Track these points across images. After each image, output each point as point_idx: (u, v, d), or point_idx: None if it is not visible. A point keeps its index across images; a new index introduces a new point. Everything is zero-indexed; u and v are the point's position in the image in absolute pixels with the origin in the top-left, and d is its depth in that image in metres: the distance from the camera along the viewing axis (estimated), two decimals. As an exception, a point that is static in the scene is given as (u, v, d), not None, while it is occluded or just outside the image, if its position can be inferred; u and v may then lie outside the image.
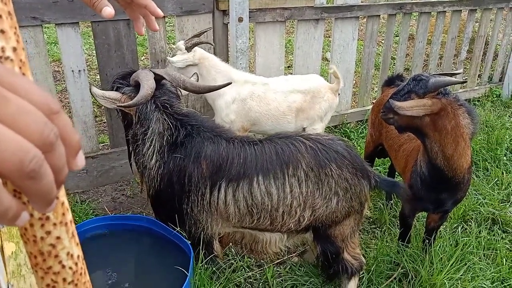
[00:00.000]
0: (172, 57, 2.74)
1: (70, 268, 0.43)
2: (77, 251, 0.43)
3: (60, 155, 0.35)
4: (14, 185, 0.33)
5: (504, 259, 2.55)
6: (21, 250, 0.95)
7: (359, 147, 3.74)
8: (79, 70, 2.80)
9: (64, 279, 0.43)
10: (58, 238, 0.41)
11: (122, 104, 1.88)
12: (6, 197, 0.32)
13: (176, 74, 2.01)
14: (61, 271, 0.42)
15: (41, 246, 0.41)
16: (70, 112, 2.99)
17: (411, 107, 1.94)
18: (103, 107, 2.84)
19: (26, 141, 0.32)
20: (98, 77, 3.14)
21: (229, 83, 2.14)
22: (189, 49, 2.71)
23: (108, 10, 0.94)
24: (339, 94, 3.14)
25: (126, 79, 1.99)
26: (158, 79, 1.96)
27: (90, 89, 1.95)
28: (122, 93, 1.95)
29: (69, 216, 0.42)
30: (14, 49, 0.37)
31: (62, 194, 0.42)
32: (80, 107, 2.89)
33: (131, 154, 2.11)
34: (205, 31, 2.99)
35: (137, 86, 1.93)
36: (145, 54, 5.26)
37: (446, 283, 2.22)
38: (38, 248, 0.41)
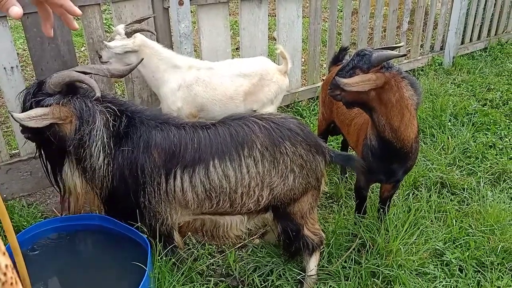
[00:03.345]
0: (109, 41, 2.61)
1: None
2: (4, 260, 0.40)
3: None
4: None
5: (454, 220, 2.69)
6: None
7: (311, 125, 3.78)
8: (12, 67, 2.62)
9: None
10: None
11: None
12: None
13: (98, 66, 2.01)
14: None
15: None
16: (6, 112, 2.80)
17: (356, 82, 1.96)
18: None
19: None
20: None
21: (142, 59, 2.31)
22: (129, 34, 2.59)
23: (16, 10, 0.87)
24: (288, 75, 3.13)
25: (41, 91, 1.82)
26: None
27: (12, 116, 1.77)
28: (55, 104, 1.78)
29: None
30: None
31: None
32: (16, 106, 2.69)
33: (59, 169, 1.99)
34: (147, 18, 2.86)
35: (66, 91, 1.82)
36: (84, 45, 5.00)
37: (401, 248, 2.31)
38: None
